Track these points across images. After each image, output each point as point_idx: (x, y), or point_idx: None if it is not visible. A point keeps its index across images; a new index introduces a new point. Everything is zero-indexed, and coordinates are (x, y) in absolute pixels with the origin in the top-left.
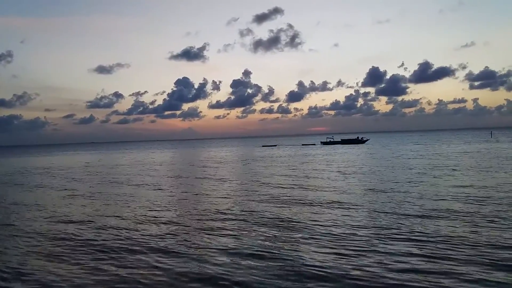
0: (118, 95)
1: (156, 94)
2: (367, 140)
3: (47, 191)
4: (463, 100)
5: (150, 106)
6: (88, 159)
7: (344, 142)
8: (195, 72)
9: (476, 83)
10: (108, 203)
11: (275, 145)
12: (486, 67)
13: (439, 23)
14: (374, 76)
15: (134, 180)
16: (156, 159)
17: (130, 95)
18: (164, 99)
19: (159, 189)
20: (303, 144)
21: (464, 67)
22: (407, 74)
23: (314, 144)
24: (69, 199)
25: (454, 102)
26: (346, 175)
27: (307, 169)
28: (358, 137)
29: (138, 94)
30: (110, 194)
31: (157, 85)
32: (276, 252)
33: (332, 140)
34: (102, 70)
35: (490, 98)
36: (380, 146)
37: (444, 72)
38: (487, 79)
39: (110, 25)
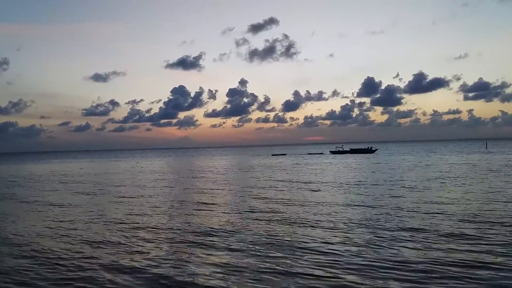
0: (114, 103)
1: (152, 102)
2: (376, 149)
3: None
4: (457, 111)
5: (146, 114)
6: (84, 167)
7: (353, 151)
8: (191, 81)
9: (470, 94)
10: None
11: (285, 154)
12: (480, 78)
13: (432, 34)
14: (369, 87)
15: (131, 188)
16: (160, 168)
17: (126, 103)
18: (160, 108)
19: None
20: (309, 153)
21: (458, 78)
22: (402, 85)
23: (322, 153)
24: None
25: (449, 113)
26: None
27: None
28: (368, 147)
29: (134, 102)
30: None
31: (153, 93)
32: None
33: (342, 150)
34: (98, 78)
35: (485, 109)
36: (389, 155)
37: (438, 83)
38: (481, 90)
39: (106, 33)
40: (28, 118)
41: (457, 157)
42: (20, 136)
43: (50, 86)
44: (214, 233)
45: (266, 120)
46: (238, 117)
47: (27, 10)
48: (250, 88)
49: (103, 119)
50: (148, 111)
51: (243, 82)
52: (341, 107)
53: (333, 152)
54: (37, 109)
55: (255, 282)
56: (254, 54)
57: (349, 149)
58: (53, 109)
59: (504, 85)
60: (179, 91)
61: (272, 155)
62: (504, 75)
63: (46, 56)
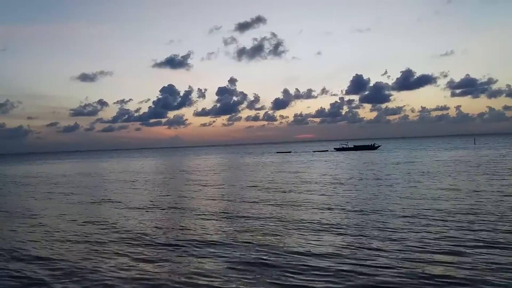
0: (102, 103)
1: (141, 102)
2: (379, 146)
3: None
4: (445, 108)
5: (135, 114)
6: (74, 168)
7: (357, 148)
8: (179, 80)
9: (458, 91)
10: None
11: (290, 152)
12: (467, 74)
13: (418, 31)
14: (358, 84)
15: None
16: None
17: (114, 103)
18: (150, 107)
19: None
20: (314, 151)
21: (445, 75)
22: (390, 82)
23: (327, 151)
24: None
25: (437, 109)
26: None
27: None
28: (371, 144)
29: (122, 102)
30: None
31: (141, 93)
32: None
33: (346, 147)
34: (85, 77)
35: (472, 105)
36: (389, 152)
37: (426, 80)
38: (468, 86)
39: (92, 33)
40: (15, 119)
41: (450, 152)
42: (7, 137)
43: (37, 86)
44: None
45: (256, 118)
46: (228, 116)
47: (12, 10)
48: (239, 87)
49: (92, 119)
50: (137, 110)
51: (232, 81)
52: (331, 104)
53: (337, 149)
54: (24, 109)
55: None
56: (242, 53)
57: (353, 146)
58: (41, 110)
59: (490, 81)
60: (168, 90)
61: (277, 152)
62: (490, 71)
63: (33, 56)
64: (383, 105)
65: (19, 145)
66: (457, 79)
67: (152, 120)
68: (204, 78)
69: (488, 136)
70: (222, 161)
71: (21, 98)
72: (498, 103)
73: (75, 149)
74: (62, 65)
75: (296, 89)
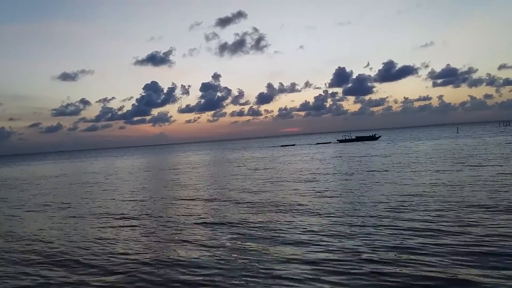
0: (84, 102)
1: (124, 100)
2: (380, 136)
3: None
4: (428, 98)
5: (119, 112)
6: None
7: (359, 139)
8: (162, 77)
9: (439, 81)
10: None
11: (294, 144)
12: (448, 64)
13: (398, 23)
14: (341, 76)
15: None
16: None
17: (97, 102)
18: (133, 105)
19: None
20: (317, 143)
21: (426, 66)
22: (373, 74)
23: (330, 142)
24: None
25: (419, 99)
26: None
27: None
28: (372, 134)
29: (105, 100)
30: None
31: (124, 90)
32: None
33: (349, 138)
34: (66, 77)
35: (454, 95)
36: (390, 142)
37: (407, 71)
38: (449, 76)
39: (72, 31)
40: None
41: (438, 141)
42: None
43: (18, 87)
44: None
45: (241, 113)
46: (212, 112)
47: None
48: (223, 82)
49: (74, 119)
50: (121, 108)
51: (216, 76)
52: (315, 97)
53: (340, 141)
54: (5, 111)
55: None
56: (224, 48)
57: (355, 137)
58: (22, 111)
59: (471, 70)
60: (152, 87)
61: (281, 146)
62: (470, 61)
63: (12, 57)
64: (367, 97)
65: (1, 147)
66: (438, 69)
67: (136, 118)
68: (187, 74)
69: (470, 124)
70: (236, 157)
71: (2, 99)
72: (479, 92)
73: (58, 150)
74: (42, 65)
75: (280, 83)
